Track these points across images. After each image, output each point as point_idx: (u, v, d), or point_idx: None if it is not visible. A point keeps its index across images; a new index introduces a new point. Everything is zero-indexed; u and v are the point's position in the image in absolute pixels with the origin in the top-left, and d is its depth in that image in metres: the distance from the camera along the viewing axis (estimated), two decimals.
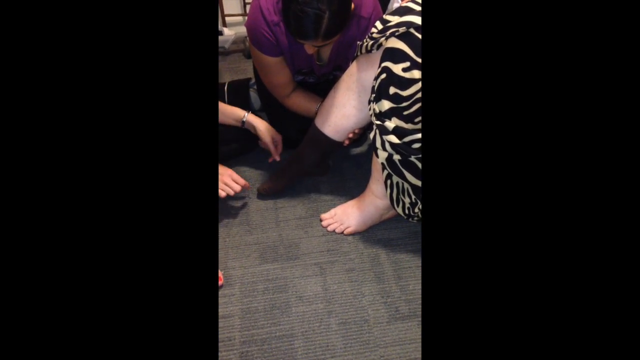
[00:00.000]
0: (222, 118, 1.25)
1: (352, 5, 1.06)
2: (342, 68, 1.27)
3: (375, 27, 0.95)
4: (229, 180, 1.15)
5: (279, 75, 1.23)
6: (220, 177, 1.15)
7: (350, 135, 1.14)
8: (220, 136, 1.27)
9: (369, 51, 0.98)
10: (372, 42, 0.96)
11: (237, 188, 1.16)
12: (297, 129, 1.33)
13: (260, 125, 1.25)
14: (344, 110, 1.09)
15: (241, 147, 1.37)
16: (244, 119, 1.24)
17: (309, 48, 1.08)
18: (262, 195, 1.27)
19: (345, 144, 1.17)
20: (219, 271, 1.05)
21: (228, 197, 1.26)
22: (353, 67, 1.05)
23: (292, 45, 1.16)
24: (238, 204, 1.26)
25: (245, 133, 1.30)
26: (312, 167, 1.24)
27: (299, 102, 1.28)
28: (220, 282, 1.03)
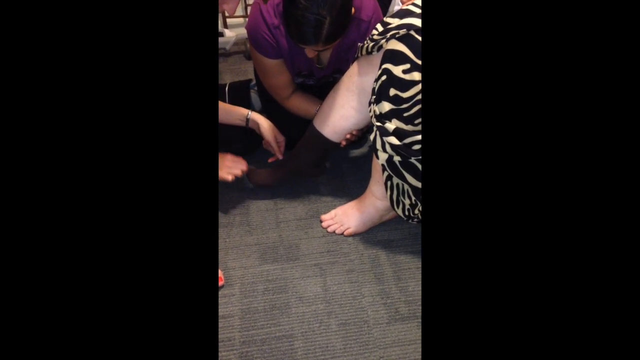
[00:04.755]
0: (225, 117, 1.25)
1: (352, 9, 1.06)
2: (342, 71, 1.28)
3: (376, 29, 0.96)
4: (231, 164, 1.18)
5: (278, 77, 1.24)
6: (222, 162, 1.17)
7: (348, 136, 1.14)
8: (223, 136, 1.27)
9: (369, 53, 0.99)
10: (372, 44, 0.96)
11: (243, 168, 1.19)
12: (298, 130, 1.34)
13: (264, 123, 1.25)
14: (343, 111, 1.09)
15: (244, 147, 1.38)
16: (248, 117, 1.25)
17: (310, 52, 1.08)
18: (251, 183, 1.28)
19: (342, 145, 1.17)
20: (220, 271, 1.05)
21: (227, 200, 1.27)
22: (353, 69, 1.05)
23: (292, 48, 1.16)
24: (238, 204, 1.27)
25: (248, 133, 1.31)
26: (307, 166, 1.24)
27: (299, 104, 1.29)
28: (220, 283, 1.03)
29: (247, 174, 1.25)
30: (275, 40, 1.14)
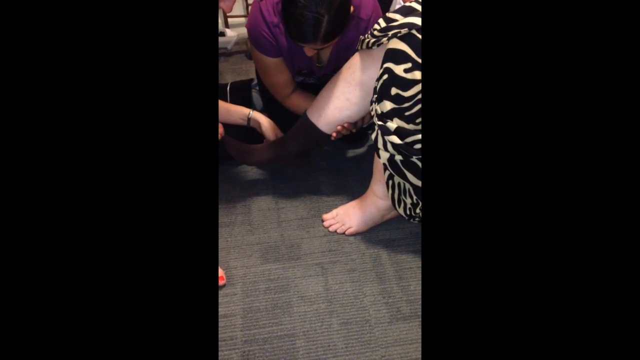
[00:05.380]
0: (227, 117, 1.26)
1: (351, 8, 1.06)
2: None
3: (378, 24, 0.95)
4: None
5: (278, 75, 1.24)
6: None
7: (339, 128, 1.13)
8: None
9: (369, 48, 0.99)
10: (373, 39, 0.96)
11: (220, 131, 1.19)
12: None
13: (265, 122, 1.26)
14: (338, 102, 1.09)
15: None
16: (250, 116, 1.26)
17: (309, 50, 1.09)
18: (229, 155, 1.27)
19: (332, 137, 1.16)
20: (221, 270, 1.05)
21: (229, 199, 1.27)
22: (353, 61, 1.05)
23: (292, 47, 1.16)
24: (240, 203, 1.27)
25: (249, 132, 1.31)
26: (293, 155, 1.23)
27: (299, 102, 1.29)
28: (222, 282, 1.04)
29: (234, 153, 1.25)
30: (275, 39, 1.14)
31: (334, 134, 1.15)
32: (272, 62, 1.20)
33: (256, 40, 1.16)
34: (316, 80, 1.32)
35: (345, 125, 1.12)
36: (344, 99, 1.07)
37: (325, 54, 1.22)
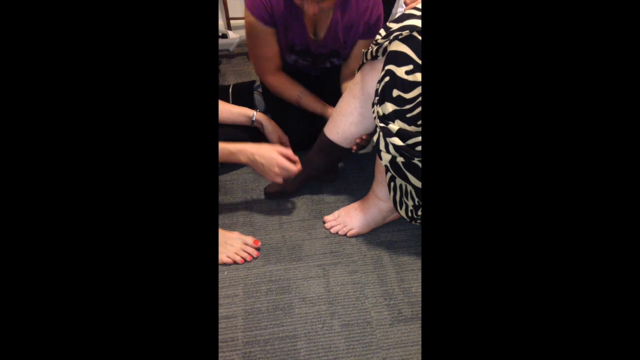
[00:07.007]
0: (231, 117, 1.27)
1: None
2: (339, 53, 1.28)
3: (379, 34, 0.97)
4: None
5: (267, 47, 1.23)
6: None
7: (358, 141, 1.15)
8: (228, 137, 1.28)
9: (374, 57, 0.99)
10: (376, 47, 0.96)
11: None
12: (301, 130, 1.34)
13: (268, 124, 1.27)
14: (351, 118, 1.11)
15: None
16: (253, 118, 1.26)
17: (310, 7, 1.06)
18: (269, 195, 1.28)
19: (352, 150, 1.18)
20: (253, 239, 1.13)
21: (231, 201, 1.27)
22: (358, 76, 1.07)
23: (288, 16, 1.16)
24: (242, 205, 1.27)
25: (253, 134, 1.31)
26: (321, 172, 1.26)
27: (279, 84, 1.29)
28: (258, 244, 1.12)
29: (270, 194, 1.28)
30: (270, 6, 1.14)
31: (354, 147, 1.17)
32: (264, 31, 1.19)
33: (252, 3, 1.16)
34: (310, 62, 1.31)
35: (364, 137, 1.14)
36: (356, 114, 1.09)
37: (322, 28, 1.22)
